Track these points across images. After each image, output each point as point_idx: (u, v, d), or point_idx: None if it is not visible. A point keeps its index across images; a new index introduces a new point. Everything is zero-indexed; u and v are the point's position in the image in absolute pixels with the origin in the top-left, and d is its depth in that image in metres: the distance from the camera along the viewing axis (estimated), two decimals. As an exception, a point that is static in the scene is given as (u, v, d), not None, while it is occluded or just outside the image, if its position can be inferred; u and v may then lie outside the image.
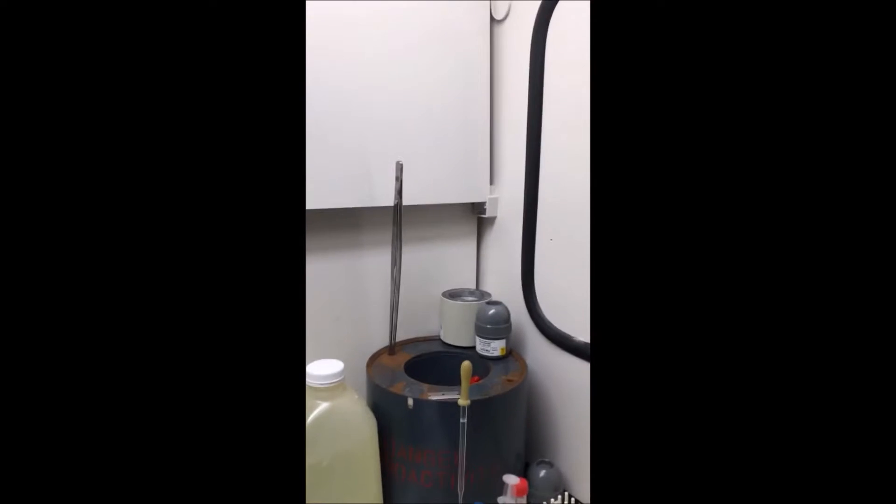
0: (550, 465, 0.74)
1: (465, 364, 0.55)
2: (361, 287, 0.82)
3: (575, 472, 0.75)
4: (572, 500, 0.63)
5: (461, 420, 0.56)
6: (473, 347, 0.80)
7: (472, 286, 0.95)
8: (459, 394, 0.56)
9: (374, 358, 0.78)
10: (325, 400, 0.60)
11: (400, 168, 0.73)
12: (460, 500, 0.57)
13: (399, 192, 0.74)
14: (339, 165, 0.73)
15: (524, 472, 0.74)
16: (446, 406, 0.65)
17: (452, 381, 0.68)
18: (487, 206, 0.89)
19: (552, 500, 0.64)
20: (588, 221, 0.66)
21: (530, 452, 0.80)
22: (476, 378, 0.71)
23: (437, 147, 0.83)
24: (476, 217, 0.93)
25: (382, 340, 0.83)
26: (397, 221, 0.75)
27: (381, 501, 0.67)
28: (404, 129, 0.79)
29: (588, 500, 0.70)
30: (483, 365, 0.77)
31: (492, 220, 0.92)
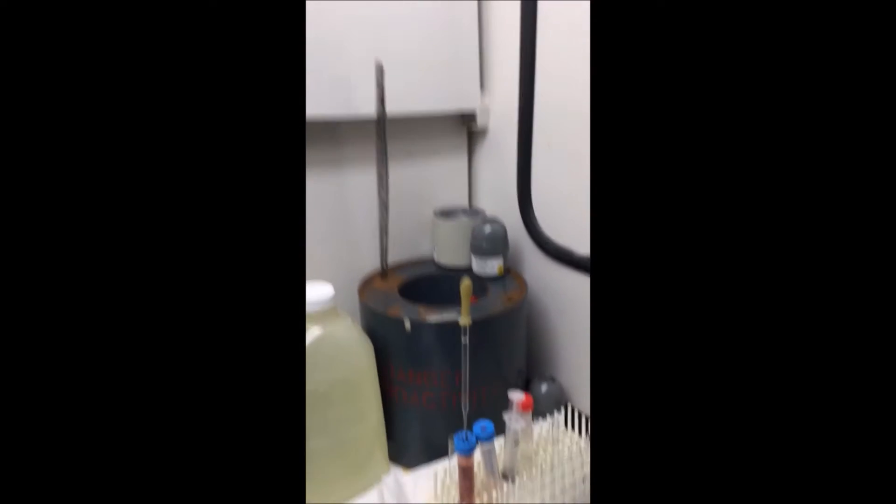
0: (552, 379, 0.73)
1: (465, 282, 0.52)
2: (346, 208, 0.76)
3: (577, 386, 0.75)
4: (575, 412, 0.63)
5: (463, 340, 0.53)
6: (469, 268, 0.77)
7: (465, 204, 0.90)
8: (458, 314, 0.53)
9: (366, 282, 0.74)
10: (316, 325, 0.57)
11: (380, 70, 0.65)
12: (465, 419, 0.55)
13: (381, 100, 0.66)
14: (312, 68, 0.64)
15: (526, 388, 0.73)
16: (445, 327, 0.62)
17: (448, 302, 0.65)
18: (478, 116, 0.82)
19: (555, 413, 0.63)
20: (588, 127, 0.60)
21: (531, 368, 0.79)
22: (474, 298, 0.68)
23: (420, 50, 0.74)
24: (466, 129, 0.86)
25: (372, 264, 0.78)
26: (381, 135, 0.68)
27: (383, 424, 0.66)
28: (383, 29, 0.70)
29: (589, 412, 0.69)
30: (480, 284, 0.73)
31: (483, 131, 0.85)
